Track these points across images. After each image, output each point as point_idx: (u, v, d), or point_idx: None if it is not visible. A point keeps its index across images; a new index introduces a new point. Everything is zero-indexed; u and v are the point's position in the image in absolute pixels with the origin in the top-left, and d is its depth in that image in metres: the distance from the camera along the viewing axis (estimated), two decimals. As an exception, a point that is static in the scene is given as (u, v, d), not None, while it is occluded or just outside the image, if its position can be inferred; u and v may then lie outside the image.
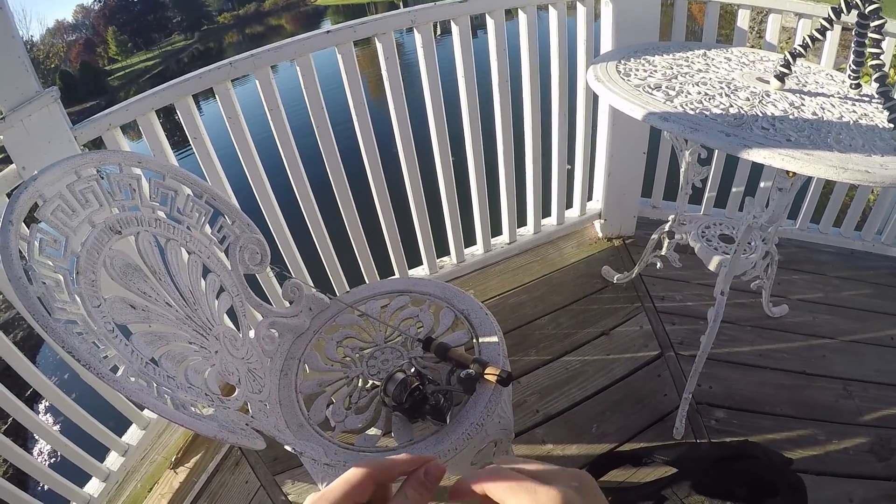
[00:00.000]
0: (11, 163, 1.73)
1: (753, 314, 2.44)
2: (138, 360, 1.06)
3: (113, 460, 2.17)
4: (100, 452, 2.13)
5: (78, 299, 1.06)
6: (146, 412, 2.27)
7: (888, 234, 2.86)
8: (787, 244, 2.86)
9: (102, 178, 1.32)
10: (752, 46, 2.15)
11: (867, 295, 2.63)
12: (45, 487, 1.94)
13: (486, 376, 1.26)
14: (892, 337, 2.40)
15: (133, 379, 1.01)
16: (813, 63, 1.94)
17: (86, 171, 1.29)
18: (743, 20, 2.39)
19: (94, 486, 2.10)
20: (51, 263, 1.07)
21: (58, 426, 1.99)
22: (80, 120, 1.83)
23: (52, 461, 1.99)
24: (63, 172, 1.24)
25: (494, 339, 1.43)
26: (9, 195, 1.73)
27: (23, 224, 1.07)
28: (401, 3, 47.78)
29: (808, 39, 1.64)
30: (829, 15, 1.62)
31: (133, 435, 2.25)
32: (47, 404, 1.99)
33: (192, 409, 1.05)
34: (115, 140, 1.91)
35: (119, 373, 0.99)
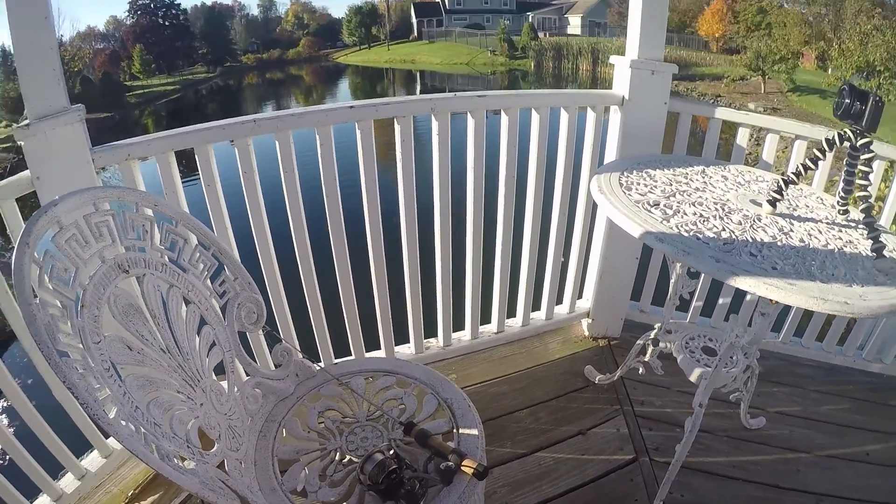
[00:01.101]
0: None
1: (730, 424, 2.43)
2: (129, 404, 1.07)
3: (68, 482, 2.12)
4: (51, 469, 2.07)
5: (80, 333, 1.07)
6: (110, 441, 2.24)
7: (869, 349, 2.89)
8: (769, 356, 2.87)
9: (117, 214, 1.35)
10: (750, 154, 2.23)
11: (846, 409, 2.64)
12: None
13: (462, 468, 1.27)
14: (868, 452, 2.39)
15: (124, 423, 1.02)
16: (805, 185, 2.03)
17: (103, 205, 1.33)
18: (742, 138, 2.49)
19: (42, 503, 2.05)
20: (58, 292, 1.09)
21: (12, 429, 1.93)
22: (91, 129, 1.85)
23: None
24: (83, 202, 1.28)
25: (474, 431, 1.46)
26: (18, 200, 1.79)
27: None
28: (417, 74, 49.24)
29: (801, 168, 1.73)
30: (822, 146, 1.73)
31: (93, 461, 2.21)
32: (5, 404, 1.95)
33: (175, 460, 1.06)
34: (130, 171, 1.95)
35: (112, 414, 0.99)
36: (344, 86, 51.58)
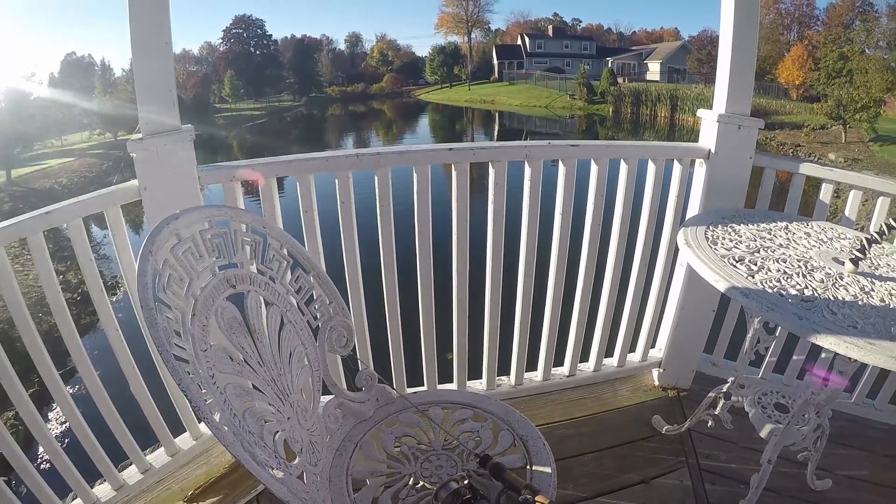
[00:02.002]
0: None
1: (795, 485, 2.34)
2: (229, 411, 1.14)
3: (131, 474, 2.23)
4: (115, 459, 2.19)
5: (191, 340, 1.16)
6: (178, 440, 2.36)
7: None
8: (839, 417, 2.74)
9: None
10: (831, 208, 2.19)
11: None
12: (51, 467, 2.00)
13: (536, 502, 1.30)
14: None
15: (227, 428, 1.09)
16: (888, 243, 1.98)
17: (217, 222, 1.44)
18: (825, 194, 2.45)
19: (103, 491, 2.16)
20: (174, 299, 1.18)
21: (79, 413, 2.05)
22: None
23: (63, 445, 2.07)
24: (200, 218, 1.39)
25: (548, 469, 1.49)
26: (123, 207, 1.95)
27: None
28: (496, 114, 49.67)
29: (884, 226, 1.70)
30: None
31: (158, 457, 2.32)
32: (73, 391, 2.08)
33: (267, 468, 1.13)
34: (233, 192, 2.08)
35: (217, 418, 1.07)
36: (424, 122, 52.57)
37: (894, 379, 2.72)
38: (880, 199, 2.38)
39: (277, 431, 1.30)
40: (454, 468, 1.53)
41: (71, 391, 1.98)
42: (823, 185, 2.46)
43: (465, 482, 1.35)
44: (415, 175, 2.22)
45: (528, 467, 1.50)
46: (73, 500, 2.11)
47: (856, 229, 2.24)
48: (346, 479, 1.50)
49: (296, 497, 1.10)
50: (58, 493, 2.03)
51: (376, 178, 2.18)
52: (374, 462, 1.57)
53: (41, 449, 1.99)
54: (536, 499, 1.30)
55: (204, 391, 1.10)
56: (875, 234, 1.71)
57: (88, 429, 2.05)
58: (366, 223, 2.30)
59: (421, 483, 1.49)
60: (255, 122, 49.56)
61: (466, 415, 1.70)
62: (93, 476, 2.16)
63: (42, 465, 2.22)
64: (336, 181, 2.16)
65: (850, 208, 2.44)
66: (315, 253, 2.23)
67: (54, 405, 2.05)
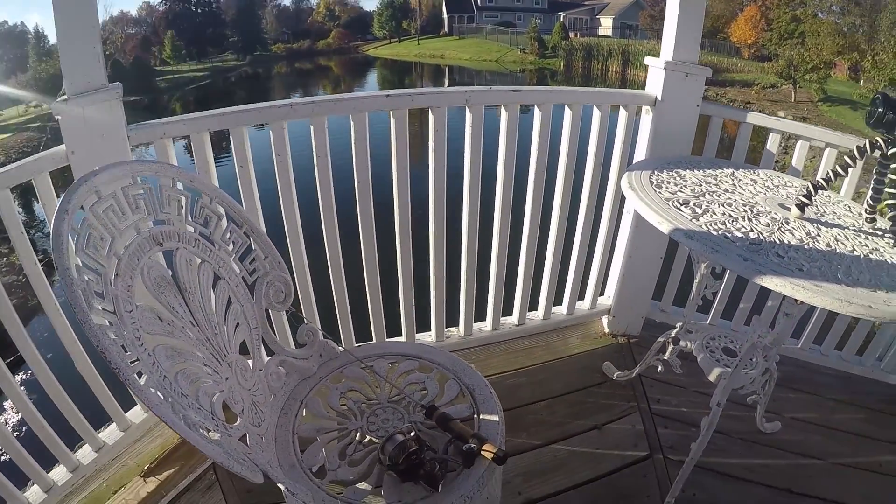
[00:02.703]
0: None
1: (745, 427, 2.41)
2: (158, 373, 1.09)
3: (85, 454, 2.16)
4: (70, 441, 2.12)
5: (113, 301, 1.10)
6: (129, 415, 2.29)
7: (888, 361, 2.86)
8: (787, 362, 2.82)
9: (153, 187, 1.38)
10: (778, 162, 2.22)
11: (861, 420, 2.61)
12: (7, 458, 1.93)
13: (483, 452, 1.28)
14: (882, 464, 2.37)
15: (154, 390, 1.04)
16: (833, 192, 2.02)
17: (140, 178, 1.35)
18: (772, 144, 2.48)
19: (59, 474, 2.09)
20: (94, 259, 1.11)
21: (31, 401, 1.98)
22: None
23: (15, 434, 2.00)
24: (122, 174, 1.31)
25: (495, 417, 1.47)
26: (51, 174, 1.82)
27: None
28: (446, 68, 49.12)
29: (830, 174, 1.73)
30: (853, 152, 1.71)
31: (111, 434, 2.25)
32: (25, 377, 2.00)
33: (201, 430, 1.08)
34: (165, 150, 1.98)
35: (142, 381, 1.01)
36: (372, 78, 51.58)
37: (839, 326, 2.82)
38: (827, 150, 2.40)
39: (215, 393, 1.25)
40: (401, 420, 1.50)
41: (23, 377, 1.89)
42: (771, 135, 2.48)
43: (412, 434, 1.34)
44: (352, 124, 2.14)
45: (475, 416, 1.48)
46: (31, 486, 2.04)
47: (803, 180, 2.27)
48: (293, 438, 1.46)
49: (231, 458, 1.05)
50: (16, 483, 1.97)
51: (312, 128, 2.10)
52: (321, 419, 1.53)
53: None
54: (484, 447, 1.29)
55: (128, 353, 1.04)
56: (821, 181, 1.72)
57: (39, 414, 1.98)
58: (307, 176, 2.23)
59: (368, 437, 1.46)
60: (198, 84, 48.05)
61: (412, 366, 1.67)
62: (49, 462, 2.09)
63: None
64: (270, 133, 2.07)
65: (797, 159, 2.46)
66: (253, 211, 2.16)
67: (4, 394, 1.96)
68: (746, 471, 2.27)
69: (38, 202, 1.85)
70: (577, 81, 41.19)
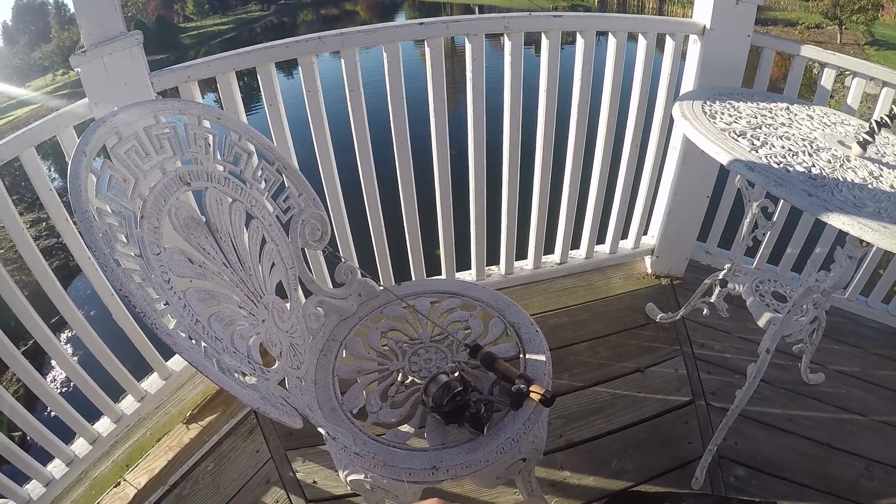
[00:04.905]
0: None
1: (789, 377, 2.38)
2: (190, 317, 1.04)
3: (128, 404, 2.20)
4: (114, 393, 2.16)
5: (138, 244, 1.05)
6: (170, 363, 2.30)
7: None
8: (833, 312, 2.75)
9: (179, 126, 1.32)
10: (832, 99, 2.09)
11: None
12: (52, 414, 1.96)
13: (530, 394, 1.22)
14: None
15: (184, 335, 0.99)
16: (893, 135, 1.90)
17: (164, 117, 1.29)
18: (827, 80, 2.33)
19: (103, 425, 2.13)
20: (116, 201, 1.06)
21: (76, 358, 2.01)
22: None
23: (63, 390, 2.04)
24: (143, 114, 1.25)
25: (542, 357, 1.41)
26: (76, 129, 1.78)
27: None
28: (476, 8, 47.95)
29: (895, 108, 1.60)
30: None
31: (152, 383, 2.27)
32: (70, 335, 2.02)
33: (236, 375, 1.03)
34: (190, 93, 1.92)
35: (171, 325, 0.97)
36: (400, 20, 50.37)
37: (888, 278, 2.72)
38: (884, 89, 2.27)
39: (252, 336, 1.20)
40: (444, 360, 1.45)
41: (67, 335, 1.91)
42: (825, 70, 2.33)
43: (456, 374, 1.28)
44: (385, 54, 2.04)
45: (521, 356, 1.42)
46: (77, 439, 2.08)
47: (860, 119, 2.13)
48: (333, 380, 1.43)
49: (268, 403, 1.01)
50: (62, 437, 2.01)
51: (343, 61, 2.01)
52: (361, 360, 1.50)
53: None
54: (531, 388, 1.23)
55: (157, 297, 0.99)
56: (886, 118, 1.59)
57: (82, 370, 2.00)
58: (341, 116, 2.16)
59: (410, 378, 1.42)
60: (223, 37, 47.96)
61: (454, 304, 1.62)
62: (94, 415, 2.13)
63: (46, 414, 2.17)
64: (300, 69, 1.99)
65: (853, 97, 2.32)
66: (285, 150, 2.09)
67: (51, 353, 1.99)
68: (788, 422, 2.23)
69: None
70: (611, 18, 40.22)
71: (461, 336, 1.51)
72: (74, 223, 1.80)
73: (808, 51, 2.31)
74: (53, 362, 2.02)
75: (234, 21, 53.91)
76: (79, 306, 1.95)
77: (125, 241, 1.03)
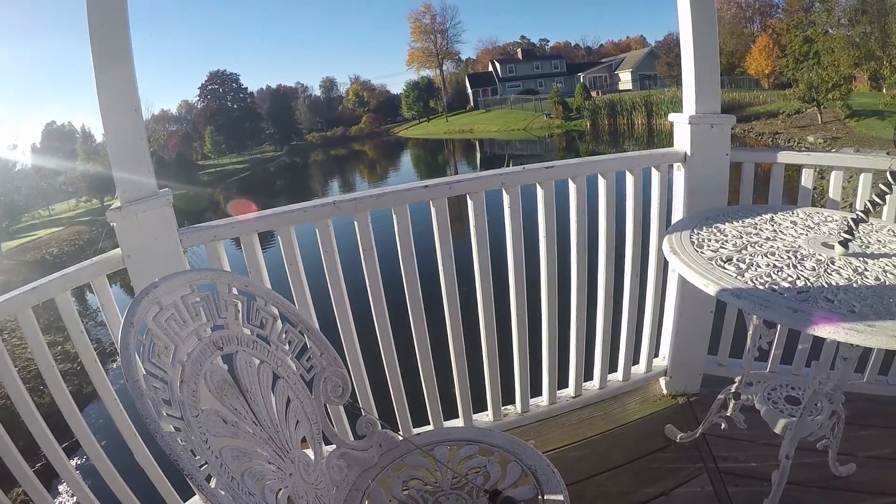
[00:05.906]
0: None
1: (819, 474, 2.30)
2: (226, 475, 1.11)
3: None
4: None
5: (180, 407, 1.14)
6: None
7: None
8: (855, 398, 2.62)
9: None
10: (816, 189, 2.18)
11: None
12: None
13: (550, 533, 1.27)
14: None
15: (224, 493, 1.06)
16: (875, 219, 1.97)
17: (198, 286, 1.42)
18: (807, 180, 2.46)
19: None
20: (160, 368, 1.16)
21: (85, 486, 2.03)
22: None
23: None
24: (180, 283, 1.37)
25: (560, 497, 1.46)
26: (109, 277, 1.94)
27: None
28: (476, 142, 50.04)
29: (869, 204, 1.69)
30: (888, 178, 1.65)
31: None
32: (79, 462, 2.05)
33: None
34: (216, 251, 2.08)
35: (212, 483, 1.04)
36: (406, 158, 52.81)
37: None
38: (862, 175, 2.38)
39: (280, 489, 1.27)
40: (464, 507, 1.49)
41: (77, 462, 1.95)
42: (804, 170, 2.48)
43: (477, 521, 1.33)
44: (394, 216, 2.22)
45: (539, 497, 1.46)
46: None
47: (842, 209, 2.25)
48: (358, 531, 1.47)
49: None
50: None
51: (356, 223, 2.18)
52: (384, 510, 1.54)
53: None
54: (551, 529, 1.28)
55: (198, 457, 1.07)
56: (860, 213, 1.70)
57: (97, 501, 2.02)
58: (354, 267, 2.29)
59: (433, 526, 1.45)
60: (239, 175, 49.95)
61: (472, 450, 1.67)
62: None
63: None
64: (317, 231, 2.16)
65: (833, 189, 2.44)
66: (304, 305, 2.22)
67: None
68: (826, 520, 2.15)
69: (90, 292, 1.93)
70: (605, 138, 41.62)
71: (480, 481, 1.55)
72: (107, 360, 1.91)
73: (785, 156, 2.47)
74: (61, 487, 2.01)
75: (248, 160, 56.32)
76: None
77: (170, 405, 1.12)
